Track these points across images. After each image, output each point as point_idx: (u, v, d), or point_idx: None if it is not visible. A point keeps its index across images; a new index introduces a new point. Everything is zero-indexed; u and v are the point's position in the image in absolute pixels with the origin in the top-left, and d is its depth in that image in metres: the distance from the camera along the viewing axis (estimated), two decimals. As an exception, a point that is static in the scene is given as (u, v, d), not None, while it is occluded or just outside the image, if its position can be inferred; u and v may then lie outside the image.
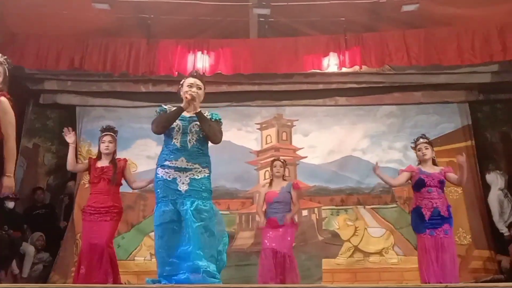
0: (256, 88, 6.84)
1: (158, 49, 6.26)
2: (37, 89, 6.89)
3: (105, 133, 4.71)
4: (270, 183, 5.37)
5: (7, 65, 3.15)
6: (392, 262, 6.22)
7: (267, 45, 6.39)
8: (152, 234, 6.18)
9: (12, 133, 3.04)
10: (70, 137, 4.61)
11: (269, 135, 6.99)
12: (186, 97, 3.22)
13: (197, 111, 3.25)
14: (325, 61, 6.26)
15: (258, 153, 6.91)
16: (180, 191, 3.16)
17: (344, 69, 6.32)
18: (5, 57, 3.20)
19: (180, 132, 3.24)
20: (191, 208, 3.09)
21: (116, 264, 4.55)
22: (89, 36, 6.33)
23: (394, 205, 6.46)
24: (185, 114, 3.28)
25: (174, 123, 3.25)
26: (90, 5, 5.63)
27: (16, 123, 3.11)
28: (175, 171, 3.20)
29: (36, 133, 7.25)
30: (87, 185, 5.07)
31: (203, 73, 6.19)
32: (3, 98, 2.99)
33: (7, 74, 3.14)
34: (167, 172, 3.21)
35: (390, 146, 6.80)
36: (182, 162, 3.21)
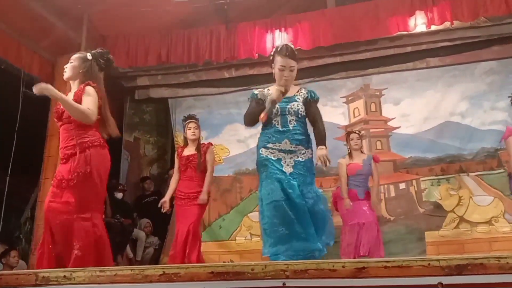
0: (338, 59, 6.53)
1: (237, 33, 6.32)
2: (131, 86, 7.24)
3: (189, 120, 4.92)
4: (350, 156, 5.27)
5: (102, 61, 3.18)
6: (504, 231, 5.68)
7: (346, 12, 6.13)
8: (251, 214, 6.41)
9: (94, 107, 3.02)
10: None
11: (357, 107, 6.70)
12: (281, 90, 3.18)
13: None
14: (411, 21, 5.88)
15: (346, 128, 6.63)
16: (285, 172, 3.14)
17: (433, 27, 5.88)
18: (101, 51, 3.23)
19: (279, 114, 3.22)
20: (297, 193, 3.09)
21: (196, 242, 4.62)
22: (172, 29, 6.57)
23: (501, 170, 5.82)
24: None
25: None
26: (169, -1, 5.85)
27: (116, 119, 3.30)
28: (279, 152, 3.20)
29: (135, 127, 7.74)
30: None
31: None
32: (88, 87, 3.02)
33: (96, 69, 3.16)
34: (271, 152, 3.21)
35: (493, 107, 6.14)
36: (286, 144, 3.20)
